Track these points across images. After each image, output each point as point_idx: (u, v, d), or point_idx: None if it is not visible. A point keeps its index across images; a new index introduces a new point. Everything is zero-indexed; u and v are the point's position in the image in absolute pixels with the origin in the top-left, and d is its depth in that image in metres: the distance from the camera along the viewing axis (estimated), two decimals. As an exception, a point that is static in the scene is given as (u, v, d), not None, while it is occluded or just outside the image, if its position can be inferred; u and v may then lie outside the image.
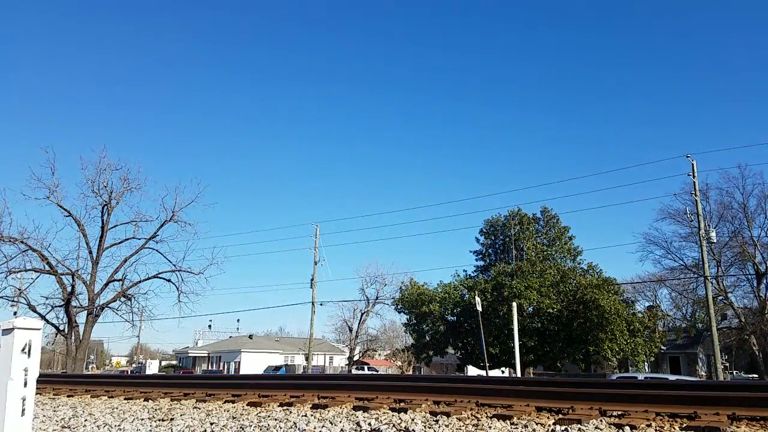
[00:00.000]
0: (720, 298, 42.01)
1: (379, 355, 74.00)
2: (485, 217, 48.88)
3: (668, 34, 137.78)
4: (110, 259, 33.87)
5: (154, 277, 34.26)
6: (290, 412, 8.24)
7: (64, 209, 32.33)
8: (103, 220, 33.50)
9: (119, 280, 33.66)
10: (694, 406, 6.79)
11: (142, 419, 8.68)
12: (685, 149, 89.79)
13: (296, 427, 7.18)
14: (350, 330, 61.68)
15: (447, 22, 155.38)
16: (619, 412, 6.85)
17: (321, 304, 55.73)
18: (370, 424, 6.99)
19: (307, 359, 50.92)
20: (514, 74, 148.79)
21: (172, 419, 8.43)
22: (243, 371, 61.53)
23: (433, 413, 7.45)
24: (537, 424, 6.43)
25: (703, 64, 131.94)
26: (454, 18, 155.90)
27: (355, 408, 8.26)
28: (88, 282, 32.49)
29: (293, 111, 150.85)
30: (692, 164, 32.02)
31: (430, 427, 6.64)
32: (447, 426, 6.64)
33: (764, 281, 41.33)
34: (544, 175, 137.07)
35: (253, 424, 7.51)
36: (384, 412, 7.73)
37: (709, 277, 31.61)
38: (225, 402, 9.84)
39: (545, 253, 44.18)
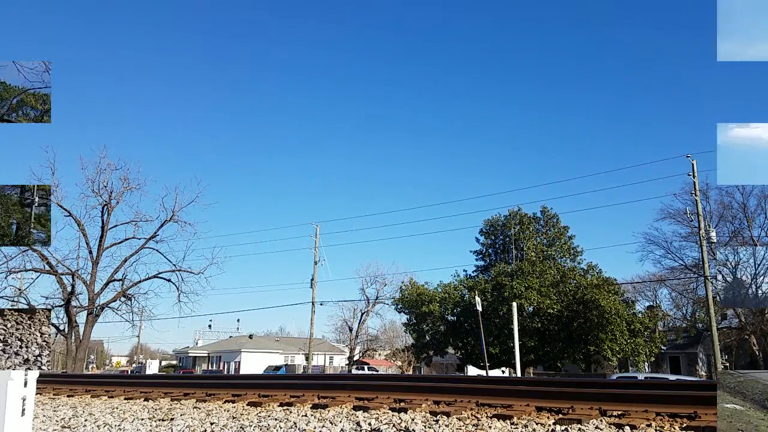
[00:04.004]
0: (720, 298, 41.98)
1: (379, 355, 73.88)
2: (485, 217, 48.84)
3: (668, 32, 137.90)
4: (110, 259, 34.01)
5: (154, 277, 34.38)
6: (290, 412, 8.24)
7: (64, 209, 32.41)
8: (103, 220, 33.59)
9: (119, 280, 33.75)
10: (694, 406, 6.79)
11: (143, 419, 8.68)
12: (685, 149, 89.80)
13: (296, 427, 7.18)
14: (350, 330, 61.64)
15: (443, 18, 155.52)
16: (620, 412, 6.85)
17: (321, 304, 55.72)
18: (370, 424, 6.99)
19: (307, 359, 50.93)
20: (514, 72, 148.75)
21: (172, 419, 8.43)
22: (243, 371, 61.46)
23: (433, 413, 7.45)
24: (537, 424, 6.43)
25: (703, 63, 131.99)
26: (450, 15, 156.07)
27: (355, 408, 8.26)
28: (88, 282, 32.54)
29: (293, 110, 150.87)
30: (692, 164, 32.06)
31: (430, 427, 6.64)
32: (447, 426, 6.64)
33: (764, 281, 41.31)
34: (544, 175, 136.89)
35: (253, 424, 7.51)
36: (384, 412, 7.73)
37: (709, 277, 31.61)
38: (225, 402, 9.84)
39: (545, 253, 44.14)
